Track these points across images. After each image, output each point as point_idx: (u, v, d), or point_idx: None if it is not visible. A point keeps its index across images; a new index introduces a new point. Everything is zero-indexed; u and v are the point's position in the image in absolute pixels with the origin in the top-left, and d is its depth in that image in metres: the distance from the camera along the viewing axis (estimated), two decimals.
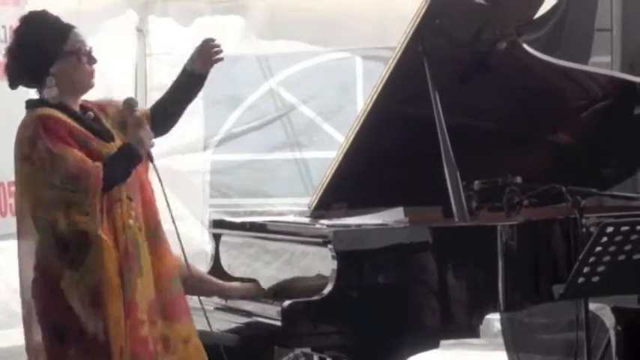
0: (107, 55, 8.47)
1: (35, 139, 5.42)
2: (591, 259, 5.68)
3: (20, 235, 5.65)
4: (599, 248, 5.64)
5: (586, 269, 5.70)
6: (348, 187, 6.73)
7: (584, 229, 6.29)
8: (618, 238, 5.66)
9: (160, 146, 7.93)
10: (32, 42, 5.66)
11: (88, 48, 5.73)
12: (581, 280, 5.76)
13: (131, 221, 5.62)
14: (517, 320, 8.28)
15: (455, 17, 6.49)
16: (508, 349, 8.54)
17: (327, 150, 7.94)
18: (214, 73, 8.95)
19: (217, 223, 7.36)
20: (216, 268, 7.02)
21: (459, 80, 6.48)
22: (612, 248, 5.66)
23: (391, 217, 6.55)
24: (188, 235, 8.46)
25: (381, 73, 6.62)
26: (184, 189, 8.77)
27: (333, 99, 8.87)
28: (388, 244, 6.29)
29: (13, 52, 5.66)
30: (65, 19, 6.52)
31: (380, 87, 6.55)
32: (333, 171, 6.78)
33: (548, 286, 6.38)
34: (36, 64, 5.61)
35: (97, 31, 8.61)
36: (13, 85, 5.67)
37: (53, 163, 5.39)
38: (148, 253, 5.68)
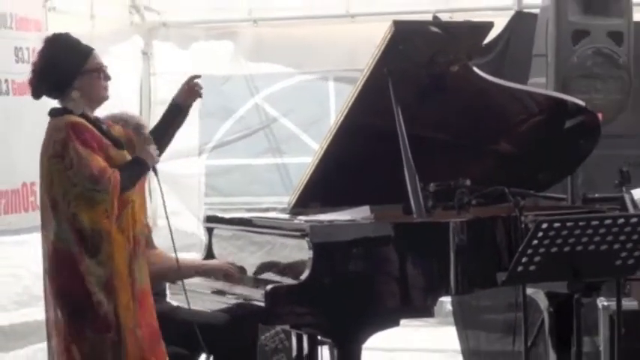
0: (116, 74, 8.44)
1: (67, 142, 5.44)
2: (529, 251, 5.67)
3: (43, 225, 5.64)
4: (535, 242, 5.64)
5: (524, 259, 5.69)
6: (322, 189, 6.71)
7: (523, 226, 6.29)
8: (551, 233, 5.66)
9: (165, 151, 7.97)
10: (59, 59, 5.67)
11: (104, 67, 5.76)
12: (520, 268, 5.76)
13: (143, 218, 5.65)
14: (465, 302, 8.28)
15: (415, 44, 6.48)
16: (457, 327, 8.53)
17: (304, 156, 7.90)
18: (208, 89, 8.98)
19: (210, 219, 7.34)
20: (209, 256, 7.03)
21: (418, 97, 6.46)
22: (546, 242, 5.66)
23: (359, 214, 6.54)
24: (185, 229, 8.47)
25: (351, 91, 6.61)
26: (182, 189, 8.76)
27: (310, 113, 8.86)
28: (356, 237, 6.27)
29: (40, 67, 5.66)
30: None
31: (350, 103, 6.53)
32: (309, 175, 6.77)
33: (492, 273, 6.37)
34: (62, 79, 5.62)
35: (108, 53, 8.58)
36: (37, 95, 5.71)
37: (80, 164, 5.42)
38: None
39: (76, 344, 5.55)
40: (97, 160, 5.44)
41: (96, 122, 5.67)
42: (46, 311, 5.68)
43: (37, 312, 7.06)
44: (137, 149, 5.70)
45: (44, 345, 5.71)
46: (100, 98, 5.76)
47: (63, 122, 5.53)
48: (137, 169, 5.64)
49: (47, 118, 5.67)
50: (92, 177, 5.42)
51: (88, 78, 5.66)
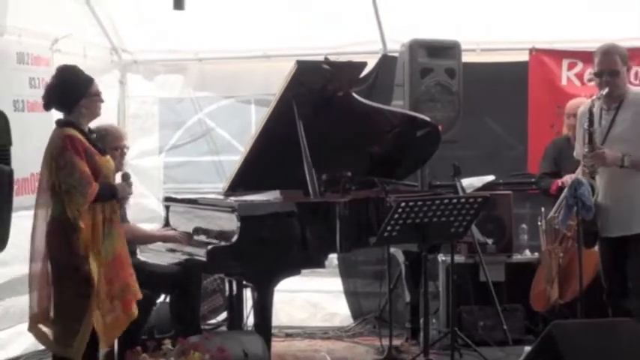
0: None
1: (64, 150, 5.34)
2: (391, 222, 5.70)
3: (37, 204, 5.55)
4: (396, 216, 5.67)
5: (388, 228, 5.72)
6: (246, 178, 6.68)
7: (388, 204, 6.32)
8: (407, 209, 5.69)
9: (133, 151, 7.88)
10: (70, 83, 5.58)
11: (100, 92, 5.70)
12: (385, 234, 5.79)
13: (114, 215, 5.59)
14: (347, 258, 8.28)
15: (311, 76, 6.45)
16: (341, 276, 8.55)
17: (234, 156, 7.86)
18: (166, 108, 8.97)
19: (167, 199, 7.26)
20: (167, 227, 6.98)
21: (314, 114, 6.45)
22: (404, 216, 5.69)
23: (272, 195, 6.52)
24: (149, 207, 8.38)
25: (266, 109, 6.61)
26: (147, 179, 8.63)
27: (237, 125, 8.77)
28: (270, 211, 6.26)
29: (54, 88, 5.58)
30: None
31: (265, 118, 6.51)
32: (237, 168, 6.73)
33: (366, 237, 6.37)
34: (71, 98, 5.53)
35: (101, 87, 8.56)
36: (47, 108, 5.64)
37: (72, 169, 5.32)
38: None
39: (56, 291, 5.49)
40: (85, 169, 5.34)
41: (87, 134, 5.56)
42: (32, 268, 5.54)
43: None
44: (120, 186, 5.65)
45: None
46: (96, 114, 5.68)
47: (63, 134, 5.41)
48: (109, 195, 5.51)
49: (49, 128, 5.61)
50: (80, 181, 5.32)
51: (91, 100, 5.59)
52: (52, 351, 5.58)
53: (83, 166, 5.34)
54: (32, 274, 5.54)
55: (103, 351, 6.37)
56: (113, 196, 5.55)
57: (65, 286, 5.45)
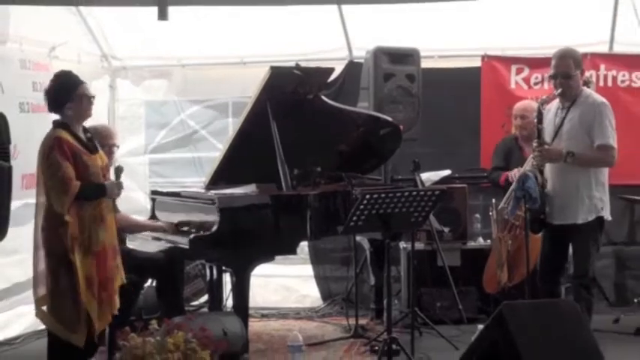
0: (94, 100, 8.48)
1: (51, 150, 5.34)
2: (357, 212, 5.68)
3: (37, 198, 5.53)
4: (361, 206, 5.65)
5: (354, 217, 5.70)
6: (225, 173, 6.67)
7: (354, 196, 6.33)
8: (371, 201, 5.69)
9: (121, 149, 7.83)
10: (59, 87, 5.56)
11: (89, 94, 5.63)
12: (352, 223, 5.77)
13: (108, 212, 5.58)
14: (317, 245, 8.28)
15: (284, 81, 6.46)
16: (312, 262, 8.52)
17: (213, 152, 7.85)
18: (151, 110, 8.94)
19: (153, 192, 7.27)
20: (153, 218, 6.96)
21: (286, 115, 6.44)
22: (368, 206, 5.68)
23: (249, 189, 6.52)
24: (137, 200, 8.34)
25: (243, 111, 6.61)
26: (135, 174, 8.57)
27: (217, 125, 8.77)
28: (247, 203, 6.30)
29: (47, 92, 5.60)
30: None
31: (242, 119, 6.53)
32: (217, 164, 6.72)
33: (334, 226, 6.37)
34: (58, 101, 5.50)
35: (92, 90, 8.55)
36: (49, 110, 5.59)
37: (56, 169, 5.32)
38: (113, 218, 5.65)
39: (52, 281, 5.46)
40: (68, 170, 5.32)
41: (77, 134, 5.52)
42: (35, 256, 5.53)
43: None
44: (109, 184, 5.57)
45: None
46: (85, 116, 5.61)
47: (54, 135, 5.41)
48: (96, 193, 5.47)
49: (42, 128, 5.61)
50: (60, 180, 5.31)
51: (76, 103, 5.53)
52: (59, 334, 5.47)
53: (66, 168, 5.32)
54: (35, 262, 5.51)
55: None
56: (101, 195, 5.50)
57: (59, 275, 5.43)
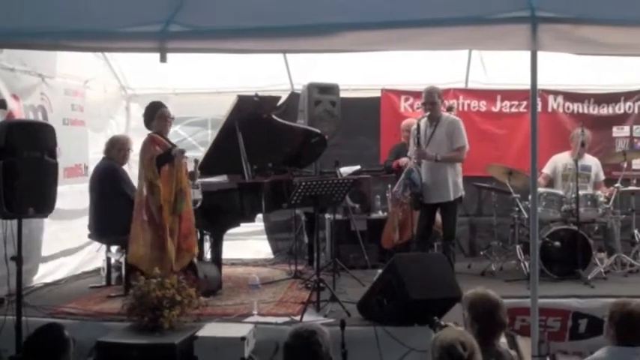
0: (117, 119, 8.37)
1: (146, 143, 5.64)
2: (296, 194, 5.68)
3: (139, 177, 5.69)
4: (299, 190, 5.67)
5: (294, 197, 5.71)
6: (205, 167, 6.56)
7: (294, 183, 6.32)
8: (306, 186, 5.70)
9: (134, 151, 7.67)
10: (147, 111, 5.86)
11: (166, 115, 5.82)
12: (292, 201, 5.78)
13: (187, 187, 5.69)
14: (268, 217, 8.27)
15: (247, 104, 6.45)
16: (267, 232, 8.49)
17: (198, 153, 7.74)
18: None
19: None
20: None
21: (249, 128, 6.42)
22: (304, 190, 5.68)
23: (221, 178, 6.50)
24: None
25: (218, 125, 6.57)
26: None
27: (199, 135, 8.68)
28: (220, 188, 6.29)
29: (143, 115, 5.87)
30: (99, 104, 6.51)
31: (217, 131, 6.50)
32: (199, 162, 6.65)
33: (280, 202, 6.40)
34: (146, 119, 5.81)
35: (114, 109, 8.37)
36: (145, 126, 5.86)
37: (147, 151, 5.58)
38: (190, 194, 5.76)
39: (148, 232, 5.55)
40: (153, 151, 5.55)
41: (165, 137, 5.78)
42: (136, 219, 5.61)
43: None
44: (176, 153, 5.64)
45: None
46: (165, 129, 5.83)
47: (147, 137, 5.71)
48: (167, 156, 5.59)
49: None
50: (150, 158, 5.55)
51: (156, 120, 5.77)
52: (145, 270, 5.41)
53: (153, 150, 5.56)
54: (134, 224, 5.60)
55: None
56: (170, 156, 5.60)
57: (152, 229, 5.54)
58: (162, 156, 5.57)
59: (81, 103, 7.33)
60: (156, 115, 5.77)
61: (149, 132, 5.77)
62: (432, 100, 6.32)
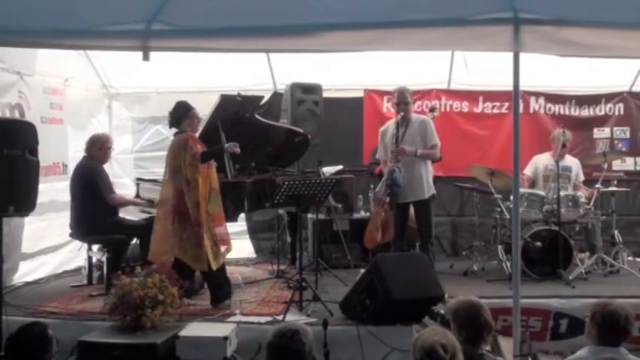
0: (99, 117, 8.31)
1: (186, 142, 5.55)
2: (279, 193, 5.68)
3: (166, 181, 5.69)
4: (282, 189, 5.66)
5: (277, 197, 5.71)
6: None
7: (277, 183, 6.36)
8: (289, 186, 5.70)
9: (115, 149, 7.62)
10: (178, 110, 5.76)
11: (198, 116, 5.85)
12: (275, 201, 5.76)
13: (217, 187, 5.70)
14: (251, 217, 8.26)
15: (230, 104, 6.44)
16: (249, 232, 8.46)
17: None
18: (136, 123, 8.73)
19: (138, 179, 7.19)
20: (137, 197, 6.87)
21: (231, 127, 6.39)
22: (287, 190, 5.69)
23: None
24: (126, 184, 8.18)
25: (201, 124, 6.54)
26: (124, 166, 8.45)
27: None
28: None
29: (170, 113, 5.79)
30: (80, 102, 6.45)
31: (201, 130, 6.37)
32: None
33: (263, 202, 6.38)
34: (177, 119, 5.72)
35: (96, 109, 8.27)
36: (170, 126, 5.88)
37: (190, 149, 5.53)
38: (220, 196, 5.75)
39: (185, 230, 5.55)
40: (197, 149, 5.54)
41: (194, 136, 5.73)
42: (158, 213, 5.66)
43: None
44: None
45: None
46: (194, 129, 5.80)
47: (185, 135, 5.61)
48: (213, 152, 5.69)
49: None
50: (194, 156, 5.49)
51: (189, 120, 5.71)
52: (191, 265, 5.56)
53: (196, 148, 5.54)
54: (165, 223, 5.58)
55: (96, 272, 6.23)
56: (220, 151, 5.77)
57: (186, 227, 5.53)
58: (209, 152, 5.58)
59: (60, 101, 7.26)
60: (189, 115, 5.74)
61: (177, 131, 5.71)
62: (405, 100, 6.39)
